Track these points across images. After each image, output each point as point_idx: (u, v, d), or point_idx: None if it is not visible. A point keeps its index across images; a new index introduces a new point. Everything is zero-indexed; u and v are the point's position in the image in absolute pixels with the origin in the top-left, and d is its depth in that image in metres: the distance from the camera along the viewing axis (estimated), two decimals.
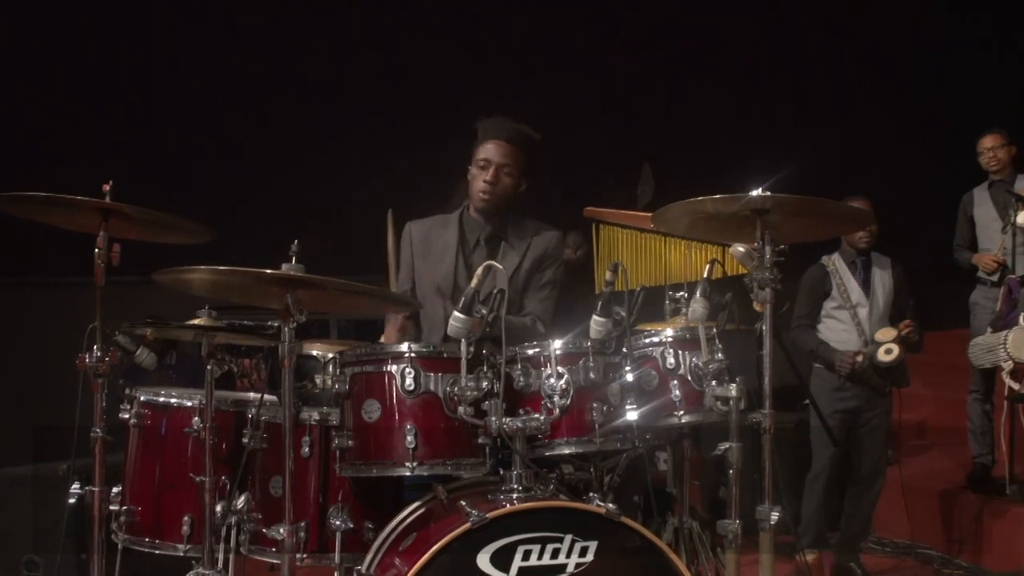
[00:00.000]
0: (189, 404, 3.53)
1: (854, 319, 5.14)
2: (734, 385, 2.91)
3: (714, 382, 3.00)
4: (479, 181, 3.61)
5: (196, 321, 3.58)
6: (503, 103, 4.04)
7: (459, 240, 3.70)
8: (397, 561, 2.85)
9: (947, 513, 5.80)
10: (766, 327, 2.97)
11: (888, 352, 5.08)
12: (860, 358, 5.06)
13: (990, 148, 5.85)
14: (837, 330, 5.18)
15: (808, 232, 3.27)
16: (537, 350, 3.02)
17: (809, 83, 8.26)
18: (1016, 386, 5.35)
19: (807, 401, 5.29)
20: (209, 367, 3.40)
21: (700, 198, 3.01)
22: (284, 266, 2.89)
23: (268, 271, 2.86)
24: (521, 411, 2.96)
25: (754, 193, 2.93)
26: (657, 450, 4.62)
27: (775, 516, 2.94)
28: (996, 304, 5.65)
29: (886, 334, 5.11)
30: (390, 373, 2.94)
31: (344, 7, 7.67)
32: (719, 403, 2.96)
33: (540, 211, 3.92)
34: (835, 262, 5.25)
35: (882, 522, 5.96)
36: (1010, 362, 5.35)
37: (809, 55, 8.38)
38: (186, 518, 3.47)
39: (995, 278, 5.77)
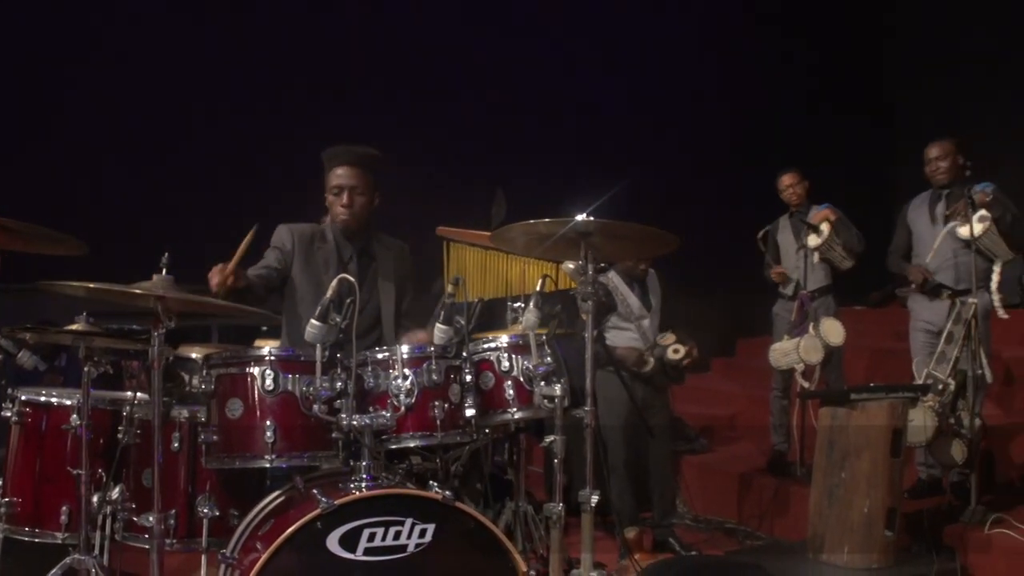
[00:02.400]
0: (68, 403, 3.44)
1: (639, 329, 5.21)
2: (559, 385, 2.96)
3: (543, 383, 3.04)
4: (337, 207, 3.60)
5: (74, 326, 3.45)
6: (364, 131, 4.03)
7: (337, 255, 3.67)
8: (258, 544, 2.81)
9: (750, 493, 5.96)
10: (587, 334, 3.02)
11: (676, 351, 5.18)
12: (649, 360, 5.14)
13: (789, 185, 6.06)
14: (626, 338, 5.21)
15: (626, 252, 3.35)
16: (386, 354, 3.04)
17: (632, 122, 8.38)
18: (807, 385, 5.57)
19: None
20: (87, 369, 3.31)
21: (533, 221, 3.05)
22: (155, 277, 2.82)
23: (134, 288, 2.78)
24: (371, 409, 2.96)
25: (578, 218, 2.98)
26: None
27: (595, 499, 2.99)
28: (792, 315, 5.86)
29: (667, 338, 5.20)
30: (252, 374, 2.93)
31: (212, 25, 7.37)
32: (546, 401, 3.00)
33: (400, 230, 3.92)
34: (613, 279, 5.18)
35: (696, 501, 6.11)
36: (802, 364, 5.57)
37: (633, 100, 8.49)
38: (64, 508, 3.39)
39: (791, 292, 5.97)
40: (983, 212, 4.93)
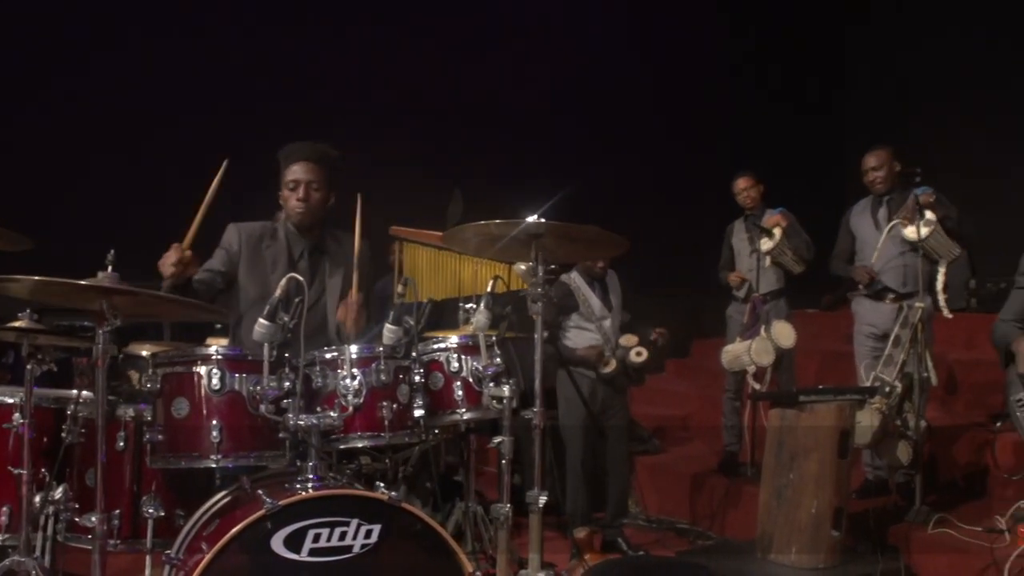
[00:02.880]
0: (10, 401, 3.38)
1: (600, 330, 5.24)
2: (507, 386, 2.96)
3: (492, 383, 3.04)
4: (292, 201, 3.56)
5: (16, 324, 3.39)
6: (320, 130, 4.00)
7: (287, 254, 3.63)
8: (203, 545, 2.77)
9: (702, 493, 6.01)
10: (537, 335, 3.02)
11: (639, 354, 5.23)
12: (611, 361, 5.17)
13: (744, 189, 6.10)
14: (587, 339, 5.25)
15: (577, 254, 3.35)
16: (335, 354, 3.01)
17: (589, 124, 8.40)
18: (757, 386, 5.62)
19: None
20: (29, 366, 3.25)
21: (484, 222, 3.04)
22: (100, 274, 2.77)
23: (81, 282, 2.73)
24: (319, 409, 2.94)
25: (529, 219, 2.98)
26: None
27: (543, 500, 2.99)
28: (745, 317, 5.91)
29: (629, 340, 5.24)
30: (198, 373, 2.89)
31: (156, 17, 7.26)
32: (495, 402, 3.00)
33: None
34: (575, 280, 5.25)
35: (649, 502, 6.14)
36: (753, 366, 5.61)
37: (589, 103, 8.50)
38: (4, 509, 3.33)
39: (743, 294, 6.02)
40: (929, 214, 5.01)
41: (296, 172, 3.54)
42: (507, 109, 8.06)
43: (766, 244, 5.79)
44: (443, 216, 6.70)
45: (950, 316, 5.16)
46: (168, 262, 3.16)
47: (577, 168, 7.29)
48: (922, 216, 5.01)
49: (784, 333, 5.64)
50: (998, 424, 5.16)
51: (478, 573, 2.74)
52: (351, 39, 7.80)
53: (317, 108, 7.09)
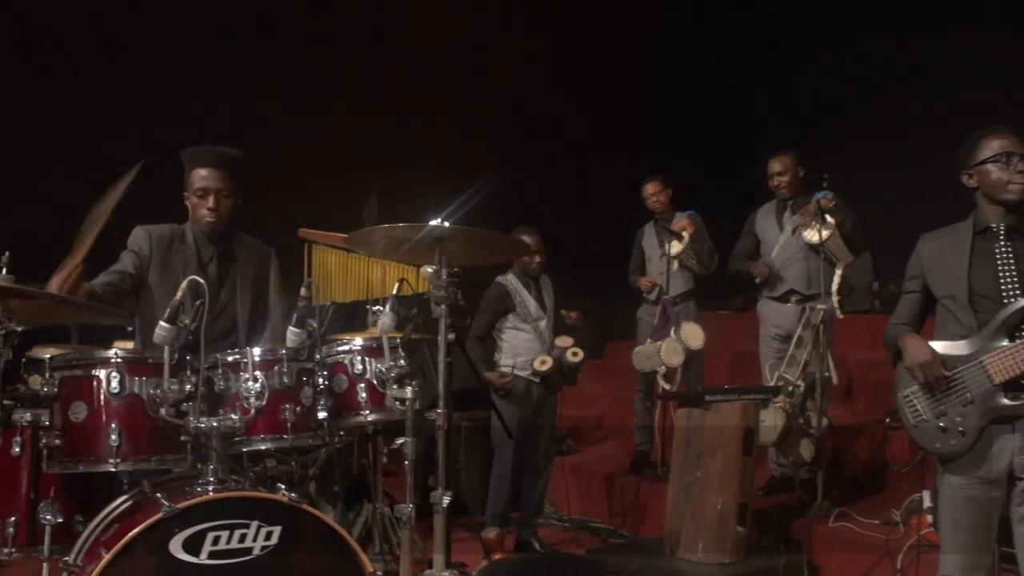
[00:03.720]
0: None
1: (536, 331, 5.33)
2: (410, 388, 2.99)
3: (395, 385, 3.06)
4: (202, 209, 3.52)
5: None
6: (229, 131, 3.98)
7: (197, 256, 3.60)
8: (101, 551, 2.74)
9: (615, 492, 6.12)
10: (441, 338, 3.05)
11: (575, 354, 5.33)
12: (547, 360, 5.25)
13: (653, 193, 6.23)
14: (523, 339, 5.34)
15: (480, 257, 3.40)
16: (237, 356, 3.01)
17: (503, 129, 8.45)
18: (667, 386, 5.72)
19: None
20: None
21: (389, 225, 3.07)
22: None
23: None
24: (221, 412, 2.93)
25: (432, 223, 3.01)
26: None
27: (446, 500, 3.03)
28: (655, 319, 6.02)
29: (565, 341, 5.34)
30: (97, 377, 2.86)
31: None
32: (398, 403, 3.03)
33: (269, 230, 3.88)
34: (511, 281, 5.37)
35: (562, 502, 6.21)
36: (663, 367, 5.72)
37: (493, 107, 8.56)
38: None
39: (654, 297, 6.14)
40: (829, 218, 5.17)
41: (204, 179, 3.50)
42: (424, 112, 8.07)
43: (675, 247, 5.91)
44: (359, 219, 6.69)
45: (841, 317, 5.34)
46: (53, 288, 3.08)
47: (488, 171, 7.32)
48: (823, 220, 5.17)
49: (693, 334, 5.75)
50: (887, 420, 5.35)
51: (379, 573, 2.77)
52: (261, 37, 7.70)
53: (227, 110, 6.98)
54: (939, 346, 3.16)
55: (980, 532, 3.14)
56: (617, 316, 7.21)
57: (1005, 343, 3.02)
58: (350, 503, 3.92)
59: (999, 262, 3.15)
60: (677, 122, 9.37)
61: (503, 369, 5.28)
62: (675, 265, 5.96)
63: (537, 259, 5.37)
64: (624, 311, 6.78)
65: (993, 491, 3.09)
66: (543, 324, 5.35)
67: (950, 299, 3.21)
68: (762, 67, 10.36)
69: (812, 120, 9.15)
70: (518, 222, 5.51)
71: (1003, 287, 3.11)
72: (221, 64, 7.30)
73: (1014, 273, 3.11)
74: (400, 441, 2.96)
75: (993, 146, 3.14)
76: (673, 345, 5.69)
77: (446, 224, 2.99)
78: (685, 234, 5.89)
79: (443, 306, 3.02)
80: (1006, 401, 3.02)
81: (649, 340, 5.90)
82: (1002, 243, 3.16)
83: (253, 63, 7.46)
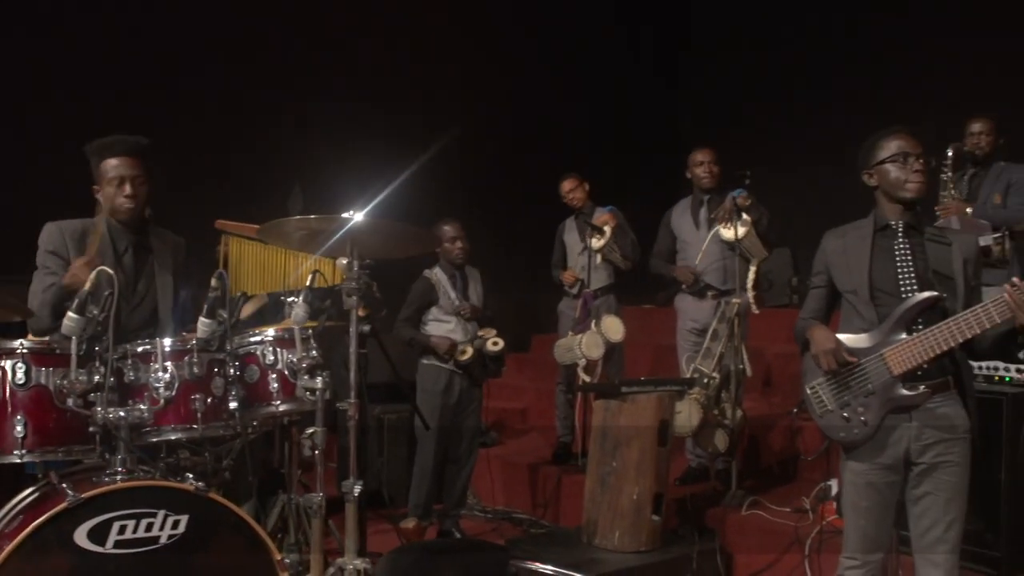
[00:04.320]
0: None
1: (460, 321, 5.38)
2: (320, 378, 3.02)
3: (306, 376, 3.09)
4: (120, 197, 3.51)
5: None
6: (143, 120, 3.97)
7: (112, 247, 3.58)
8: (4, 543, 2.73)
9: (537, 483, 6.20)
10: (352, 329, 3.09)
11: (495, 344, 5.39)
12: (467, 350, 5.30)
13: (570, 190, 6.32)
14: (446, 331, 5.39)
15: (394, 250, 3.43)
16: (148, 347, 3.01)
17: (423, 125, 8.49)
18: (587, 379, 5.82)
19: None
20: None
21: (301, 217, 3.10)
22: None
23: None
24: (130, 402, 2.93)
25: (344, 215, 3.05)
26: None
27: (358, 489, 3.07)
28: (576, 312, 6.11)
29: (488, 332, 5.41)
30: (2, 367, 2.84)
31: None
32: (309, 394, 3.06)
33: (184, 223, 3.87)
34: (437, 275, 5.45)
35: (485, 493, 6.28)
36: (584, 359, 5.81)
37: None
38: None
39: (575, 290, 6.23)
40: (745, 216, 5.30)
41: (119, 167, 3.50)
42: (348, 105, 8.06)
43: (596, 242, 6.01)
44: (284, 210, 6.68)
45: (757, 311, 5.48)
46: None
47: (410, 164, 7.36)
48: (739, 217, 5.30)
49: (613, 327, 5.86)
50: (795, 411, 5.49)
51: (287, 560, 2.80)
52: (180, 24, 7.59)
53: (137, 99, 6.87)
54: (843, 339, 3.28)
55: (879, 516, 3.27)
56: (542, 309, 7.30)
57: (903, 336, 3.15)
58: (268, 494, 3.92)
59: (898, 258, 3.27)
60: (599, 117, 9.47)
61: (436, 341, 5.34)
62: (597, 259, 6.05)
63: (459, 245, 5.42)
64: (550, 304, 6.87)
65: (891, 476, 3.22)
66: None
67: (852, 294, 3.33)
68: (681, 65, 10.56)
69: (731, 118, 9.36)
70: (441, 215, 5.58)
71: (902, 282, 3.23)
72: (137, 52, 7.18)
73: (911, 269, 3.24)
74: (310, 431, 2.99)
75: (891, 146, 3.26)
76: (593, 338, 5.79)
77: (357, 216, 3.03)
78: (607, 228, 5.99)
79: (354, 298, 3.06)
80: (904, 391, 3.15)
81: (570, 333, 5.99)
82: (900, 240, 3.28)
83: (171, 50, 7.35)
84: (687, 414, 5.11)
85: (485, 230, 7.08)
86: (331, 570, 3.05)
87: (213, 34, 7.54)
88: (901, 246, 3.29)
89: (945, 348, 3.07)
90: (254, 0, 7.86)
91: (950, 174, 5.45)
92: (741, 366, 5.31)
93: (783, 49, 9.24)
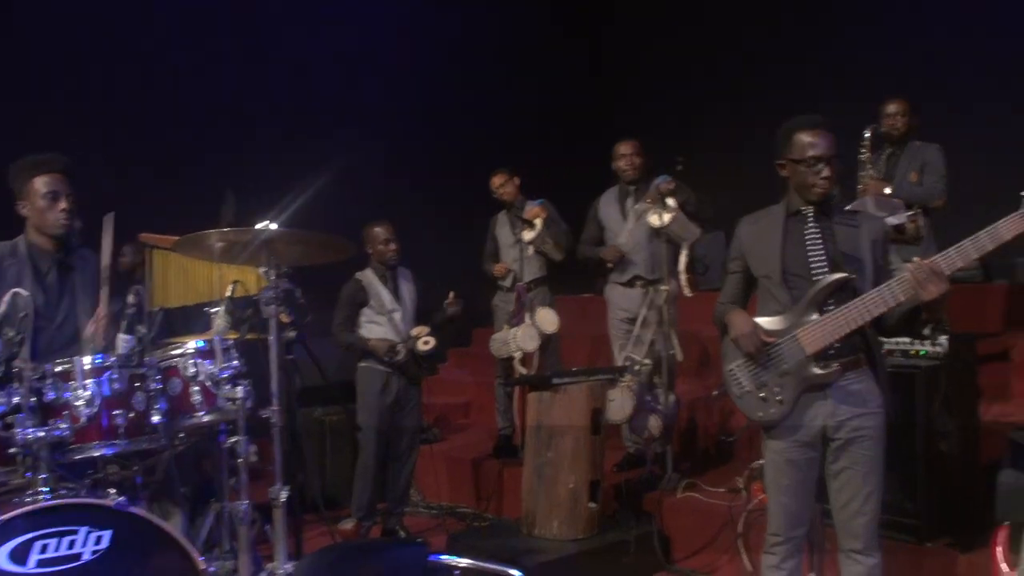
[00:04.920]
0: None
1: (391, 322, 5.44)
2: (240, 387, 3.07)
3: (227, 386, 3.14)
4: (55, 213, 3.54)
5: None
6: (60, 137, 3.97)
7: (32, 269, 3.59)
8: None
9: (479, 477, 6.29)
10: (273, 337, 3.14)
11: (426, 343, 5.45)
12: (400, 351, 5.36)
13: (500, 185, 6.39)
14: (379, 332, 5.45)
15: (308, 257, 3.48)
16: (67, 366, 3.03)
17: (358, 124, 8.52)
18: (524, 371, 5.91)
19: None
20: None
21: (216, 230, 3.14)
22: None
23: None
24: (51, 421, 2.94)
25: (259, 226, 3.10)
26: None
27: (284, 494, 3.13)
28: (511, 305, 6.20)
29: (420, 330, 5.47)
30: None
31: None
32: (231, 403, 3.10)
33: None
34: (367, 276, 5.51)
35: (430, 489, 6.35)
36: (520, 352, 5.91)
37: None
38: None
39: (509, 284, 6.31)
40: (670, 201, 5.40)
41: (50, 184, 3.56)
42: (276, 109, 8.07)
43: (528, 235, 6.09)
44: (217, 218, 6.65)
45: (691, 295, 5.59)
46: None
47: (348, 169, 7.40)
48: (663, 204, 5.41)
49: (548, 319, 5.96)
50: (715, 392, 5.61)
51: (211, 568, 2.84)
52: (104, 38, 7.54)
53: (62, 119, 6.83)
54: (760, 321, 3.39)
55: (800, 492, 3.40)
56: (482, 304, 7.36)
57: (815, 317, 3.26)
58: (203, 503, 3.96)
59: (808, 243, 3.39)
60: (529, 110, 9.54)
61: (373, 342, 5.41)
62: (529, 252, 6.13)
63: (392, 247, 5.48)
64: (490, 298, 6.94)
65: (810, 452, 3.34)
66: (397, 316, 5.46)
67: (767, 278, 3.45)
68: (609, 52, 10.67)
69: (663, 104, 9.50)
70: (374, 216, 5.63)
71: (812, 266, 3.35)
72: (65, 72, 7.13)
73: (822, 252, 3.35)
74: (232, 439, 3.04)
75: (803, 146, 3.34)
76: (528, 330, 5.89)
77: (272, 226, 3.08)
78: (537, 221, 6.07)
79: (272, 306, 3.11)
80: (817, 370, 3.27)
81: (505, 327, 6.09)
82: (811, 225, 3.40)
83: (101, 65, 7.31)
84: (620, 402, 5.23)
85: (421, 227, 7.15)
86: (263, 574, 3.10)
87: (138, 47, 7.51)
88: (812, 230, 3.40)
89: (854, 327, 3.19)
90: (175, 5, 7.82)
91: (868, 154, 5.60)
92: (672, 352, 5.43)
93: (711, 32, 9.40)
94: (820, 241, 3.38)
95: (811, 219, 3.41)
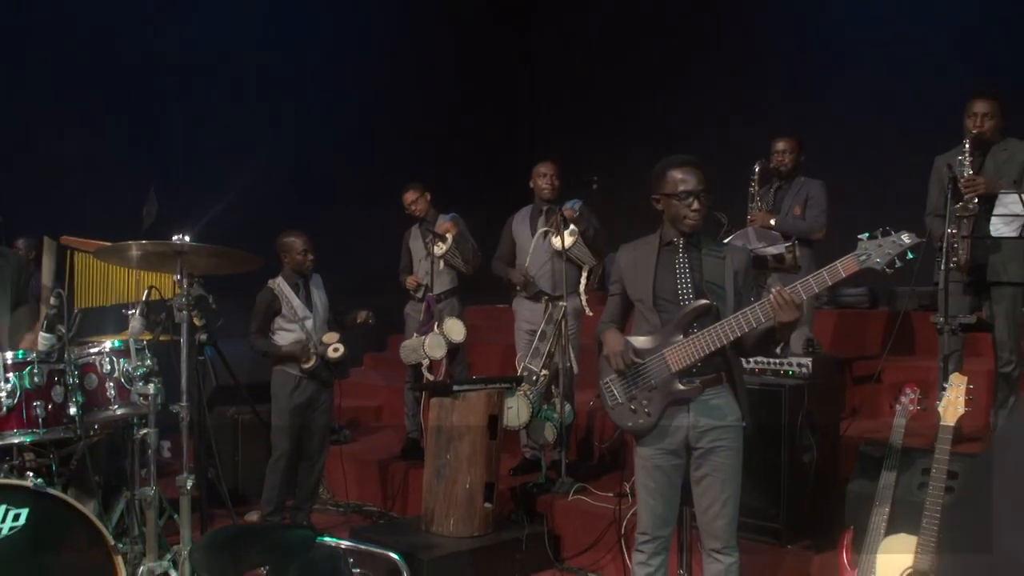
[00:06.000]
0: None
1: (303, 329, 5.78)
2: (152, 384, 3.42)
3: (140, 383, 3.49)
4: None
5: None
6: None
7: None
8: None
9: (386, 477, 6.66)
10: (184, 340, 3.50)
11: (336, 350, 5.80)
12: (311, 357, 5.70)
13: (412, 201, 6.76)
14: (291, 339, 5.78)
15: (219, 268, 3.85)
16: None
17: (282, 136, 8.83)
18: (431, 377, 6.30)
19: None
20: None
21: (132, 242, 3.50)
22: None
23: None
24: None
25: (175, 239, 3.46)
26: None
27: (190, 482, 3.49)
28: (421, 315, 6.59)
29: (331, 337, 5.81)
30: None
31: None
32: (142, 398, 3.46)
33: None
34: (280, 285, 5.83)
35: (339, 488, 6.70)
36: (427, 359, 6.30)
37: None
38: None
39: (420, 294, 6.70)
40: (572, 227, 5.85)
41: None
42: (198, 114, 8.33)
43: (439, 248, 6.49)
44: (139, 217, 6.93)
45: (591, 314, 6.04)
46: None
47: (267, 176, 7.70)
48: (566, 227, 5.85)
49: (455, 329, 6.37)
50: (592, 402, 6.05)
51: (120, 544, 3.20)
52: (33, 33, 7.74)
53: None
54: (634, 341, 3.82)
55: (667, 495, 3.84)
56: (399, 311, 7.72)
57: (681, 338, 3.70)
58: (115, 491, 4.28)
59: (677, 271, 3.83)
60: (447, 123, 9.89)
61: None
62: (440, 265, 6.53)
63: (310, 258, 5.81)
64: (405, 306, 7.27)
65: (675, 460, 3.78)
66: (309, 323, 5.80)
67: (640, 302, 3.88)
68: (531, 68, 11.09)
69: (578, 125, 9.97)
70: (291, 226, 5.96)
71: (680, 292, 3.79)
72: None
73: (689, 280, 3.80)
74: (143, 431, 3.39)
75: (675, 182, 3.78)
76: (436, 339, 6.29)
77: (185, 240, 3.44)
78: (449, 236, 6.47)
79: (184, 312, 3.47)
80: (680, 386, 3.70)
81: (415, 335, 6.47)
82: (681, 254, 3.84)
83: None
84: (516, 410, 5.65)
85: (343, 235, 7.50)
86: (168, 556, 3.45)
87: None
88: (681, 260, 3.84)
89: (715, 347, 3.63)
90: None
91: (757, 187, 6.11)
92: (568, 364, 5.87)
93: (628, 57, 9.89)
94: (688, 270, 3.81)
95: (681, 249, 3.85)
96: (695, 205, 3.77)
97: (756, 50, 8.93)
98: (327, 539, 2.85)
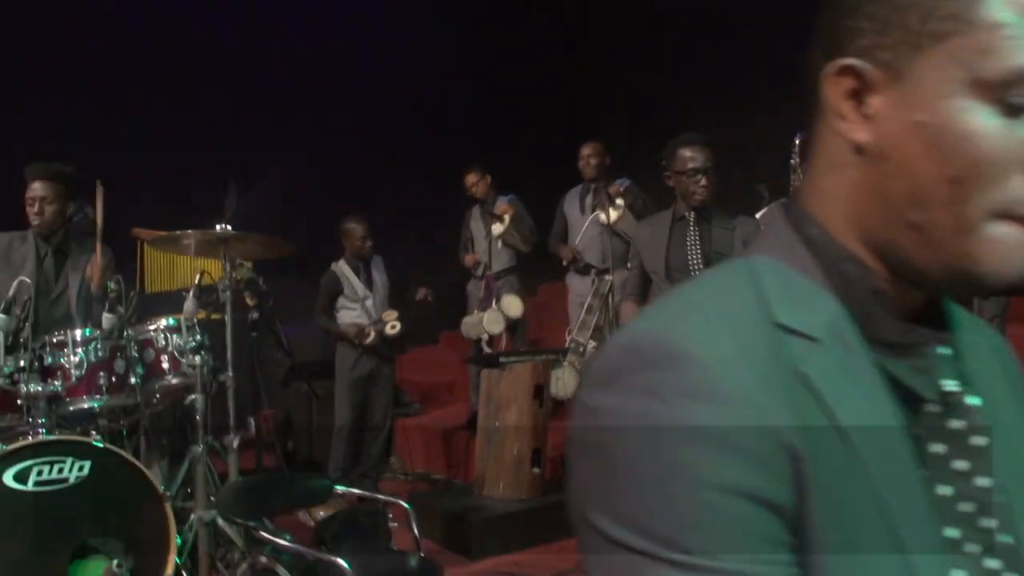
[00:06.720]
0: None
1: (364, 308, 6.28)
2: (199, 356, 3.95)
3: (190, 355, 4.02)
4: (31, 215, 4.49)
5: None
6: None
7: (36, 253, 4.52)
8: None
9: (451, 447, 7.12)
10: (227, 317, 4.01)
11: (392, 328, 6.28)
12: (370, 333, 6.19)
13: (473, 183, 7.18)
14: (353, 316, 6.30)
15: (260, 253, 4.35)
16: (62, 336, 3.93)
17: (338, 125, 9.20)
18: (489, 351, 6.72)
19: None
20: None
21: (180, 232, 4.02)
22: None
23: None
24: (49, 380, 3.85)
25: (218, 228, 3.97)
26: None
27: (236, 442, 4.01)
28: (481, 292, 7.03)
29: (390, 315, 6.30)
30: None
31: None
32: (191, 369, 3.99)
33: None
34: (342, 267, 6.37)
35: (408, 457, 7.22)
36: (486, 334, 6.73)
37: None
38: None
39: (480, 273, 7.13)
40: (619, 201, 6.18)
41: (34, 190, 4.48)
42: (249, 105, 8.80)
43: (497, 229, 6.91)
44: (222, 208, 7.53)
45: None
46: None
47: (335, 164, 8.17)
48: (613, 203, 6.19)
49: (513, 305, 6.78)
50: None
51: (168, 493, 3.73)
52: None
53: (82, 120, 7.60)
54: None
55: None
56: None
57: None
58: (179, 454, 4.86)
59: (688, 243, 4.16)
60: (508, 108, 10.14)
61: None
62: (498, 244, 6.95)
63: (368, 244, 6.31)
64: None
65: None
66: (369, 302, 6.31)
67: (654, 273, 4.23)
68: (585, 54, 11.29)
69: (637, 109, 10.16)
70: (359, 211, 6.43)
71: (690, 263, 4.12)
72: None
73: (699, 252, 4.13)
74: (191, 397, 3.92)
75: (684, 159, 4.10)
76: (494, 315, 6.71)
77: (228, 229, 3.95)
78: (506, 217, 6.88)
79: (228, 292, 3.98)
80: None
81: (476, 311, 6.91)
82: (691, 228, 4.17)
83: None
84: (564, 380, 6.03)
85: (413, 218, 7.95)
86: (213, 499, 3.98)
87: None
88: (692, 233, 4.17)
89: None
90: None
91: (798, 160, 6.30)
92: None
93: (681, 33, 10.00)
94: (699, 242, 4.14)
95: (692, 224, 4.18)
96: (703, 182, 4.09)
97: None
98: (340, 488, 3.31)
